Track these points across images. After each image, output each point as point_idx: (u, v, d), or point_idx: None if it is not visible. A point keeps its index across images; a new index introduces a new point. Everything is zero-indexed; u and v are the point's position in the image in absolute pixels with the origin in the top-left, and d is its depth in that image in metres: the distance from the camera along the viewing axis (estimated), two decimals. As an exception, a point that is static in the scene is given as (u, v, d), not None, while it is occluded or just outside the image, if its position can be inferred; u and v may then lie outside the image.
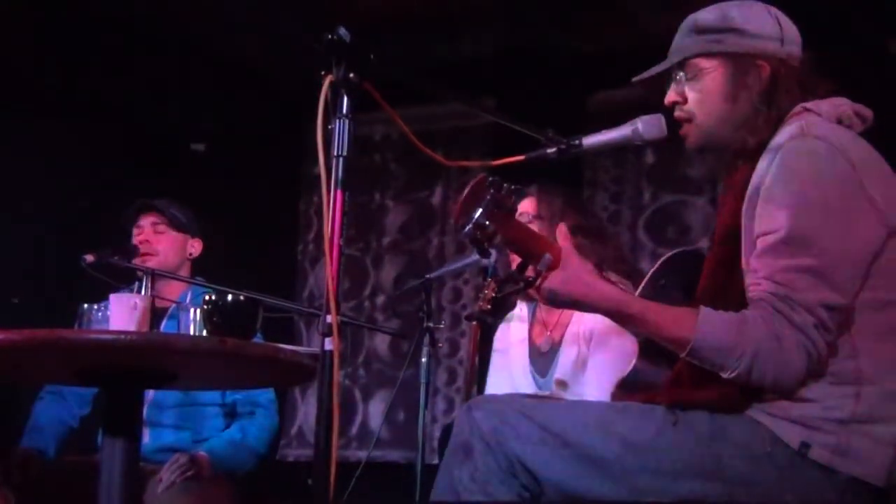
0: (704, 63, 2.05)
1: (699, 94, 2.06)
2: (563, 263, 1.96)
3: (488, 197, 1.92)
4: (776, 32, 2.05)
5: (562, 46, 5.03)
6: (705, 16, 2.08)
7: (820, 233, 1.83)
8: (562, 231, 2.03)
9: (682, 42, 2.10)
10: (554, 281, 1.95)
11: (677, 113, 2.09)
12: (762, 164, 1.92)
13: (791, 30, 2.08)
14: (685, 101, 2.07)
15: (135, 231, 3.48)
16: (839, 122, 1.96)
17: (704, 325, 1.85)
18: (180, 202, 3.60)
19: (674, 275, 2.17)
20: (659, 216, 5.10)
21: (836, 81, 2.04)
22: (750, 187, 1.92)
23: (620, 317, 1.96)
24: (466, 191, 1.93)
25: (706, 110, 2.05)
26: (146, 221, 3.48)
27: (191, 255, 3.54)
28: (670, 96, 2.09)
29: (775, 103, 1.99)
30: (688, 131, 2.08)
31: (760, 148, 1.96)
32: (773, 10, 2.09)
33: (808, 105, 1.97)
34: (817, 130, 1.90)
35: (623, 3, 4.67)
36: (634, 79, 2.15)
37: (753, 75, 2.02)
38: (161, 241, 3.45)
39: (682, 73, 2.07)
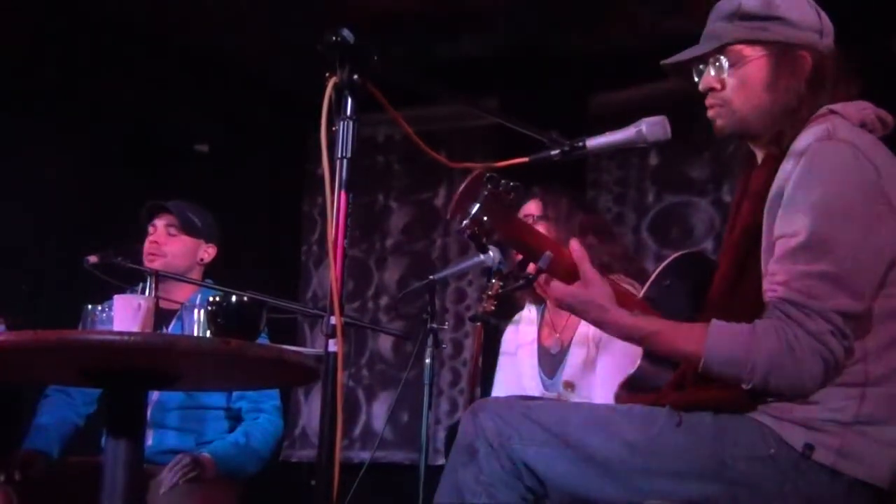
0: (748, 50, 2.00)
1: (739, 82, 2.01)
2: (586, 282, 1.95)
3: (486, 192, 1.91)
4: (817, 24, 2.03)
5: (563, 47, 5.03)
6: (749, 1, 2.02)
7: (840, 239, 1.82)
8: (576, 246, 2.00)
9: (721, 26, 2.04)
10: (573, 297, 1.95)
11: (710, 100, 2.04)
12: (786, 168, 1.90)
13: (828, 22, 2.05)
14: (723, 87, 2.03)
15: (150, 229, 3.48)
16: (863, 125, 1.95)
17: (714, 341, 1.84)
18: (200, 206, 3.58)
19: (679, 276, 2.16)
20: (663, 217, 5.10)
21: (862, 80, 2.01)
22: (772, 191, 1.90)
23: (631, 340, 1.97)
24: (463, 186, 1.92)
25: (744, 99, 2.01)
26: (161, 223, 3.47)
27: (202, 260, 3.50)
28: (709, 81, 2.03)
29: (815, 96, 1.96)
30: (719, 115, 2.04)
31: (786, 148, 1.93)
32: (812, 0, 2.06)
33: (835, 107, 1.95)
34: (844, 134, 1.88)
35: (624, 4, 4.67)
36: (664, 61, 2.09)
37: (796, 66, 1.98)
38: (171, 244, 3.44)
39: (722, 59, 2.02)
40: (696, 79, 2.08)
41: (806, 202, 1.84)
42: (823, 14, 2.05)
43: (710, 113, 2.06)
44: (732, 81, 2.02)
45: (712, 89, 2.04)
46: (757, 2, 2.02)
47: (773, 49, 2.00)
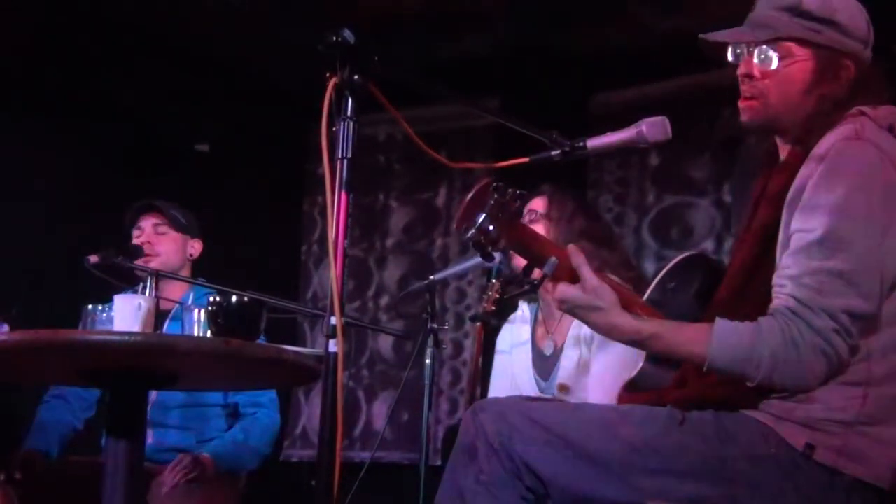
0: (797, 50, 1.98)
1: (783, 79, 1.98)
2: (585, 286, 1.93)
3: (492, 201, 1.91)
4: (865, 34, 2.01)
5: (564, 47, 5.02)
6: None
7: (857, 238, 1.82)
8: (574, 250, 1.97)
9: (776, 17, 1.99)
10: (573, 300, 1.93)
11: (747, 86, 2.01)
12: (808, 167, 1.89)
13: (872, 34, 2.03)
14: (762, 77, 1.99)
15: (135, 232, 3.48)
16: (890, 129, 1.94)
17: (719, 342, 1.84)
18: (181, 203, 3.61)
19: (684, 278, 2.16)
20: (663, 218, 5.09)
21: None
22: (793, 190, 1.90)
23: (633, 344, 1.96)
24: (470, 195, 1.92)
25: (782, 96, 1.98)
26: (147, 223, 3.48)
27: (191, 255, 3.54)
28: (750, 67, 2.00)
29: (851, 105, 1.95)
30: (751, 107, 2.01)
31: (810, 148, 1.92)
32: (863, 9, 2.03)
33: (864, 109, 1.94)
34: (870, 134, 1.88)
35: (624, 4, 4.67)
36: (705, 35, 2.03)
37: (840, 75, 1.97)
38: (162, 243, 3.46)
39: (770, 51, 1.98)
40: (731, 58, 2.05)
41: (826, 200, 1.84)
42: (870, 25, 2.03)
43: (742, 102, 2.02)
44: (778, 76, 1.99)
45: (750, 76, 2.01)
46: (817, 1, 1.98)
47: (821, 54, 1.97)
